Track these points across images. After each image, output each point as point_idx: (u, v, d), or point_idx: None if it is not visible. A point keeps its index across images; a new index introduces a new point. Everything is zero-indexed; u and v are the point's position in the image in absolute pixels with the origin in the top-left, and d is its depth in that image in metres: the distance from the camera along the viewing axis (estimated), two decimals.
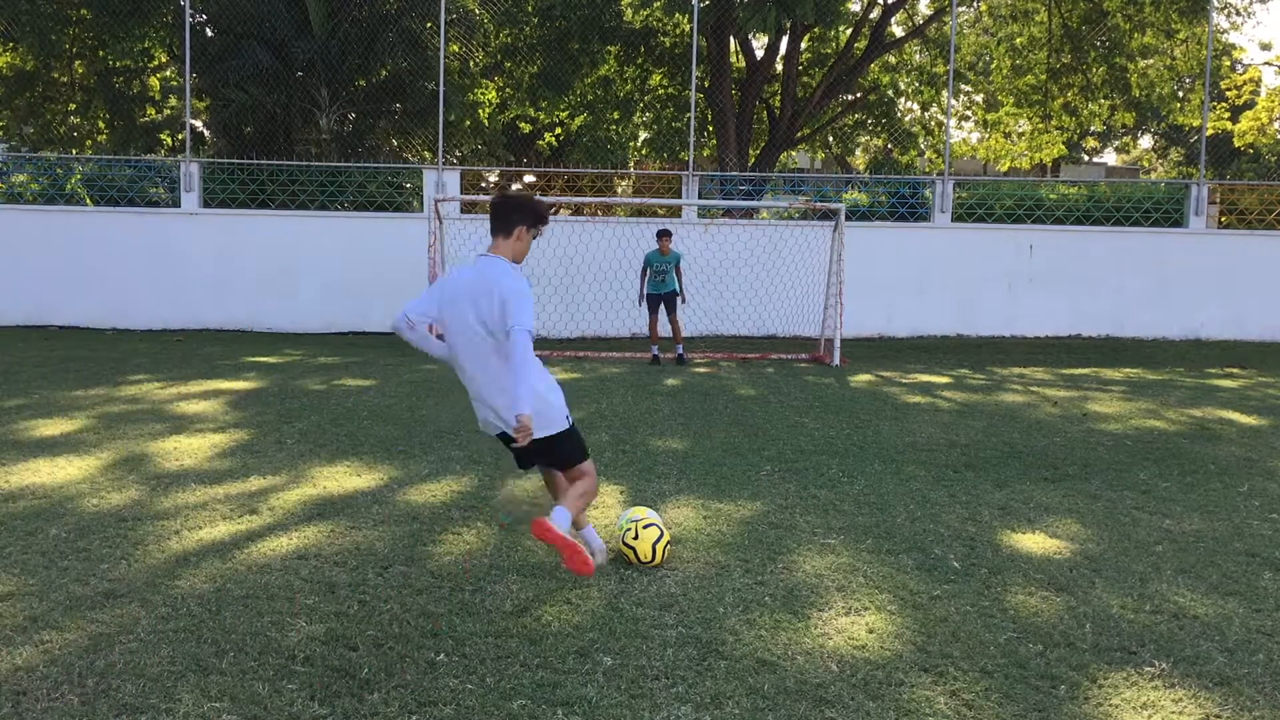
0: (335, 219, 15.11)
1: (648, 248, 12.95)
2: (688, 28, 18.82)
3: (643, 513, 4.65)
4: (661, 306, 12.18)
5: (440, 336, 4.43)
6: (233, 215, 15.11)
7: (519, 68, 20.72)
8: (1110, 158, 42.06)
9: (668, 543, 4.55)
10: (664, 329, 12.39)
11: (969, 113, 25.82)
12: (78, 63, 20.00)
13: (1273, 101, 27.01)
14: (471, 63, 19.36)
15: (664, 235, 11.97)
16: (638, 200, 15.57)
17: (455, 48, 18.08)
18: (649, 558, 4.47)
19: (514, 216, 4.29)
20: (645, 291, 12.13)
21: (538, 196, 4.12)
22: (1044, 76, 20.45)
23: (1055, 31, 20.01)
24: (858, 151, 28.24)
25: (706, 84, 19.36)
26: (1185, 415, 8.79)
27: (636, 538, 4.49)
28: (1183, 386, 10.60)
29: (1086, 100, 20.78)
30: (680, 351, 12.26)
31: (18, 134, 21.32)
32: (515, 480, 5.97)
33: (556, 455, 4.40)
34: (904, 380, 10.80)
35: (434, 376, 10.33)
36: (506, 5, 18.81)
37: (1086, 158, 37.85)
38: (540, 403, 4.18)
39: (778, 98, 21.64)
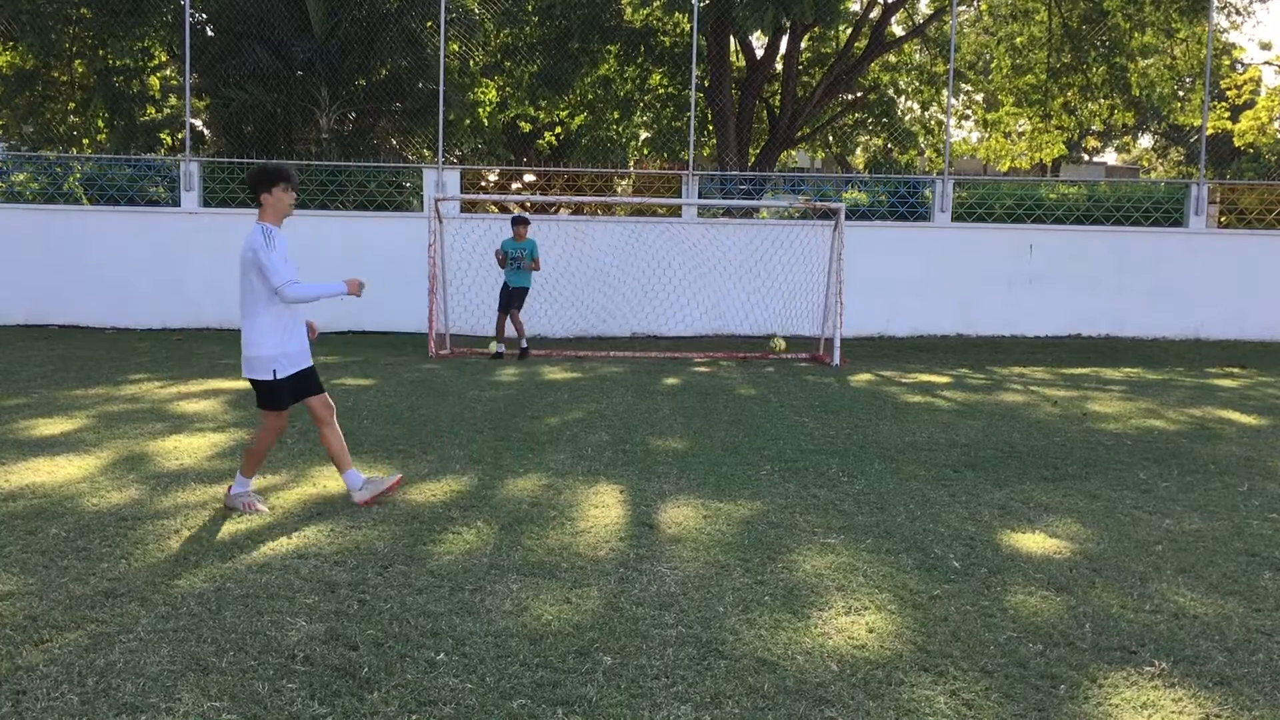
0: (335, 219, 15.11)
1: (648, 247, 12.97)
2: (688, 27, 18.82)
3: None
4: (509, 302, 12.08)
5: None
6: (233, 215, 15.09)
7: (519, 67, 20.71)
8: (1110, 157, 42.06)
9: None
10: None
11: (969, 112, 25.81)
12: (78, 62, 19.99)
13: (1273, 101, 26.99)
14: (471, 62, 19.35)
15: (519, 223, 11.96)
16: (638, 200, 15.57)
17: (455, 47, 18.08)
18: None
19: (256, 189, 5.32)
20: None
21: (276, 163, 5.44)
22: (1044, 76, 20.45)
23: (1055, 31, 20.01)
24: (857, 151, 28.24)
25: (706, 83, 19.35)
26: (1185, 415, 8.80)
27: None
28: (1183, 386, 10.60)
29: (1086, 100, 20.77)
30: (525, 346, 12.03)
31: (17, 133, 21.31)
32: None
33: (259, 397, 5.36)
34: (904, 380, 10.80)
35: (434, 376, 10.33)
36: (506, 5, 18.80)
37: (1086, 157, 37.86)
38: (254, 349, 5.20)
39: (778, 97, 21.64)
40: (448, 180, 15.10)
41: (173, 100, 22.55)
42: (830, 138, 24.82)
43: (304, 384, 5.41)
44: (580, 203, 17.13)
